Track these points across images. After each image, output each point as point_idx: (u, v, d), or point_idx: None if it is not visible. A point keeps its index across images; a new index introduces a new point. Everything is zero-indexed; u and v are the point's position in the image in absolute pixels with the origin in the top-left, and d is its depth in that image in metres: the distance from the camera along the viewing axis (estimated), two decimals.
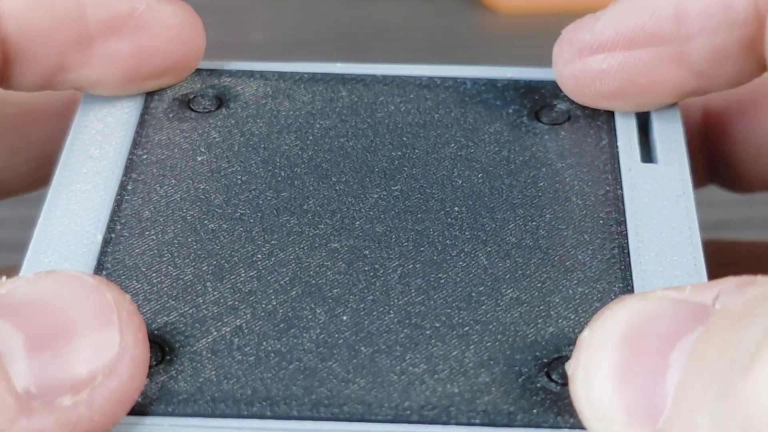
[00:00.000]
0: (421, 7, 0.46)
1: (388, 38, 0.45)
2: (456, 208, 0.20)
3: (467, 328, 0.18)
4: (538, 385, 0.17)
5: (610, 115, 0.22)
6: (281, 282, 0.19)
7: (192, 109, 0.22)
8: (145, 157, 0.21)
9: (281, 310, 0.19)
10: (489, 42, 0.44)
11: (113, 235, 0.20)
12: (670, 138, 0.22)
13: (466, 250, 0.20)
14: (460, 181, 0.21)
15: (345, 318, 0.18)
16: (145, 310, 0.18)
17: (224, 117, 0.22)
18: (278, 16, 0.46)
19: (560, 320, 0.18)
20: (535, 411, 0.17)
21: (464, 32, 0.45)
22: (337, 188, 0.21)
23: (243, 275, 0.19)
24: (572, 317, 0.18)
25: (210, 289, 0.19)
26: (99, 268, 0.19)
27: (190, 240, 0.20)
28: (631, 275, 0.19)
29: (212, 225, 0.20)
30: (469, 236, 0.20)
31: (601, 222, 0.20)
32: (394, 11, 0.46)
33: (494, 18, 0.45)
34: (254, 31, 0.45)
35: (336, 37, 0.45)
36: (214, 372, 0.18)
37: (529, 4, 0.46)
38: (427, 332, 0.18)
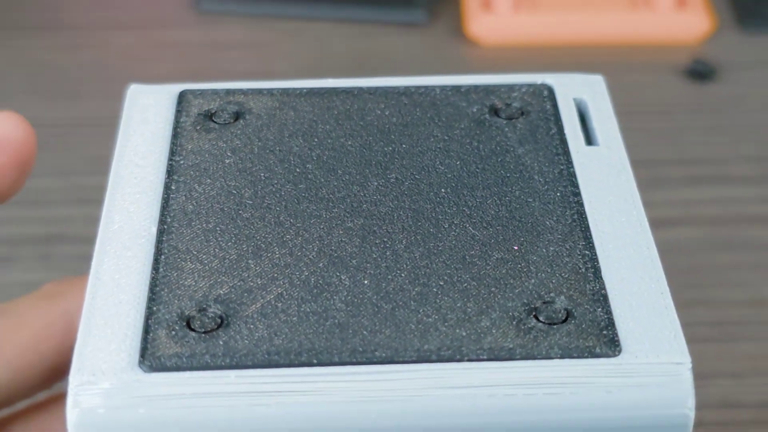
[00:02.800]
0: (416, 41, 0.47)
1: (388, 67, 0.45)
2: (442, 190, 0.20)
3: (466, 284, 0.18)
4: (529, 325, 0.18)
5: (555, 108, 0.22)
6: (309, 256, 0.19)
7: (214, 122, 0.22)
8: (182, 162, 0.21)
9: (312, 279, 0.19)
10: (472, 70, 0.42)
11: (165, 227, 0.20)
12: (606, 125, 0.22)
13: (455, 222, 0.20)
14: (442, 168, 0.21)
15: (366, 282, 0.19)
16: (201, 285, 0.18)
17: (242, 127, 0.22)
18: (297, 48, 0.47)
19: (539, 273, 0.19)
20: (529, 346, 0.17)
21: (452, 62, 0.46)
22: (344, 179, 0.21)
23: (277, 252, 0.19)
24: (548, 270, 0.19)
25: (252, 266, 0.19)
26: (158, 254, 0.19)
27: (229, 227, 0.20)
28: (590, 235, 0.19)
29: (245, 214, 0.20)
30: (456, 211, 0.20)
31: (560, 194, 0.20)
32: (393, 44, 0.47)
33: (477, 50, 0.47)
34: (278, 62, 0.46)
35: (344, 65, 0.46)
36: (265, 331, 0.18)
37: (505, 40, 0.47)
38: (434, 289, 0.18)
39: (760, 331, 0.35)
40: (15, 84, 0.46)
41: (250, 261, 0.19)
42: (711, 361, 0.34)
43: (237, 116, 0.22)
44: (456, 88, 0.23)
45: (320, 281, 0.19)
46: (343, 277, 0.19)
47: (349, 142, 0.22)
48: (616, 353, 0.17)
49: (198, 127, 0.22)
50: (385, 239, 0.19)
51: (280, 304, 0.18)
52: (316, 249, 0.19)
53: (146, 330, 0.18)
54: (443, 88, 0.23)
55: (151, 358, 0.17)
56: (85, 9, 0.49)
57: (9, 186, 0.24)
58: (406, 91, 0.23)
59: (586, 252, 0.19)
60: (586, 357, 0.17)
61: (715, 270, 0.37)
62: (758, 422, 0.32)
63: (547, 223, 0.20)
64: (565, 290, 0.18)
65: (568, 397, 0.17)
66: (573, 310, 0.18)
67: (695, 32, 0.47)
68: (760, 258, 0.37)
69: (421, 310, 0.18)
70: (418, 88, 0.23)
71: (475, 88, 0.23)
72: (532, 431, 0.17)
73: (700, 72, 0.45)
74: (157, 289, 0.19)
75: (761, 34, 0.47)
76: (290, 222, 0.20)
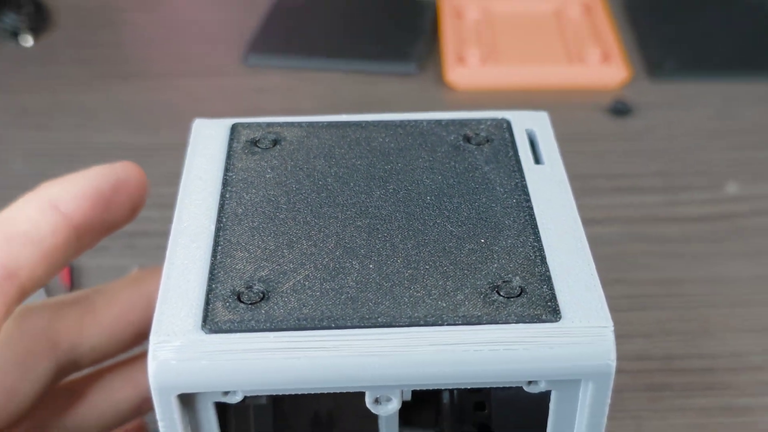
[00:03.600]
0: (408, 87, 0.47)
1: (387, 106, 0.44)
2: (427, 197, 0.20)
3: (445, 268, 0.18)
4: (492, 299, 0.18)
5: (512, 137, 0.22)
6: (329, 247, 0.19)
7: (258, 147, 0.22)
8: (233, 177, 0.21)
9: (331, 264, 0.18)
10: (450, 108, 0.41)
11: (221, 225, 0.20)
12: (549, 150, 0.22)
13: (437, 222, 0.20)
14: (428, 181, 0.21)
15: (371, 266, 0.18)
16: (248, 269, 0.18)
17: (279, 151, 0.22)
18: (318, 92, 0.47)
19: (500, 260, 0.19)
20: (492, 314, 0.17)
21: (435, 102, 0.46)
22: (354, 189, 0.21)
23: (305, 244, 0.19)
24: (507, 258, 0.19)
25: (286, 254, 0.19)
26: (215, 246, 0.19)
27: (268, 225, 0.20)
28: (538, 231, 0.19)
29: (281, 215, 0.20)
30: (437, 214, 0.20)
31: (515, 201, 0.20)
32: (392, 89, 0.47)
33: (454, 94, 0.46)
34: (304, 102, 0.46)
35: (354, 105, 0.45)
36: (296, 303, 0.18)
37: (475, 86, 0.47)
38: (421, 272, 0.18)
39: (665, 302, 0.35)
40: (112, 118, 0.45)
41: (284, 250, 0.19)
42: (628, 325, 0.33)
43: (275, 143, 0.22)
44: (438, 122, 0.23)
45: (337, 266, 0.18)
46: (354, 263, 0.19)
47: (358, 162, 0.21)
48: (557, 319, 0.17)
49: (246, 151, 0.22)
50: (385, 234, 0.19)
51: (307, 283, 0.18)
52: (333, 241, 0.19)
53: (207, 302, 0.18)
54: (429, 121, 0.23)
55: (210, 323, 0.17)
56: (161, 62, 0.50)
57: (123, 218, 0.24)
58: (401, 124, 0.23)
59: (535, 244, 0.19)
60: (535, 322, 0.17)
61: (631, 257, 0.37)
62: (662, 370, 0.32)
63: (506, 222, 0.20)
64: (519, 272, 0.18)
65: (521, 352, 0.17)
66: (525, 288, 0.18)
67: (616, 80, 0.47)
68: (664, 248, 0.37)
69: (412, 287, 0.18)
70: (410, 121, 0.23)
71: (453, 122, 0.23)
72: (494, 377, 0.17)
73: (619, 110, 0.45)
74: (215, 271, 0.18)
75: (664, 82, 0.47)
76: (314, 221, 0.20)
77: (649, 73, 0.47)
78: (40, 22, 0.51)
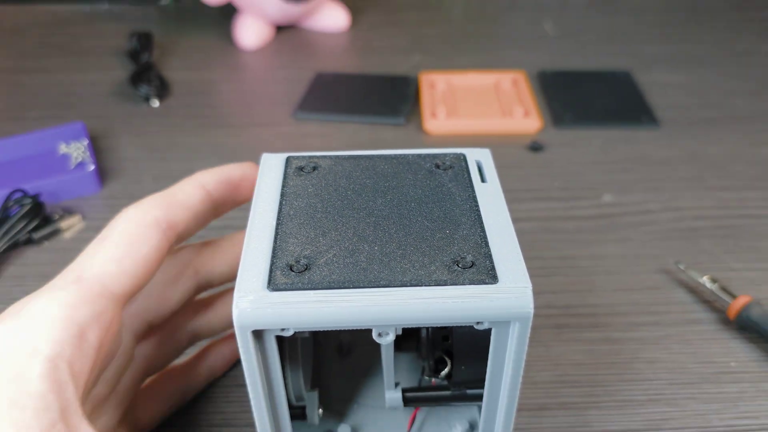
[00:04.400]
0: (398, 133, 0.46)
1: (384, 145, 0.44)
2: (412, 204, 0.20)
3: (423, 249, 0.18)
4: (454, 269, 0.17)
5: (467, 164, 0.22)
6: (349, 236, 0.19)
7: (303, 171, 0.21)
8: (287, 190, 0.21)
9: (350, 247, 0.18)
10: (427, 146, 0.43)
11: (279, 222, 0.19)
12: (490, 173, 0.21)
13: (419, 220, 0.19)
14: (412, 193, 0.20)
15: (376, 248, 0.18)
16: (296, 250, 0.18)
17: (317, 174, 0.21)
18: (342, 136, 0.46)
19: (459, 244, 0.18)
20: (454, 279, 0.17)
21: (416, 143, 0.45)
22: (365, 198, 0.20)
23: (333, 234, 0.19)
24: (463, 243, 0.18)
25: (321, 241, 0.19)
26: (276, 235, 0.19)
27: (310, 222, 0.19)
28: (483, 226, 0.19)
29: (318, 215, 0.19)
30: (418, 214, 0.19)
31: (469, 206, 0.20)
32: (387, 134, 0.46)
33: (429, 137, 0.46)
34: (333, 142, 0.46)
35: (364, 143, 0.45)
36: (327, 272, 0.17)
37: (443, 132, 0.46)
38: (408, 252, 0.18)
39: (565, 271, 0.35)
40: (208, 153, 0.45)
41: (320, 238, 0.19)
42: (541, 286, 0.34)
43: (314, 168, 0.22)
44: (418, 155, 0.22)
45: (354, 248, 0.18)
46: (365, 246, 0.18)
47: (368, 181, 0.21)
48: (496, 282, 0.17)
49: (295, 174, 0.22)
50: (384, 228, 0.19)
51: (335, 259, 0.18)
52: (352, 232, 0.19)
53: (270, 271, 0.18)
54: (412, 155, 0.22)
55: (272, 284, 0.17)
56: (240, 116, 0.49)
57: (246, 198, 0.24)
58: (395, 156, 0.22)
59: (481, 234, 0.19)
60: (481, 284, 0.17)
61: (543, 242, 0.37)
62: (563, 315, 0.32)
63: (462, 220, 0.19)
64: (471, 252, 0.18)
65: (472, 303, 0.17)
66: (475, 262, 0.18)
67: (533, 128, 0.47)
68: (564, 236, 0.37)
69: (402, 262, 0.18)
70: (400, 155, 0.22)
71: (428, 155, 0.22)
72: (455, 319, 0.17)
73: (535, 147, 0.45)
74: (275, 252, 0.18)
75: (564, 129, 0.47)
76: (340, 220, 0.19)
77: (554, 123, 0.48)
78: (163, 91, 0.51)
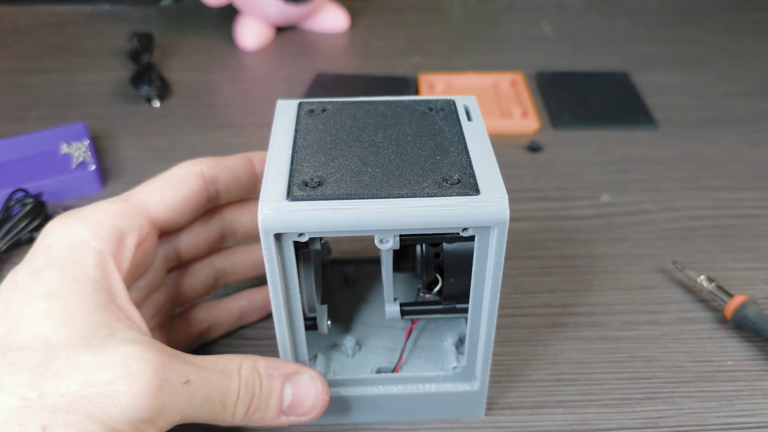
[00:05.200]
0: None
1: None
2: (408, 138, 0.22)
3: (418, 171, 0.20)
4: (444, 185, 0.20)
5: (455, 107, 0.24)
6: (354, 160, 0.21)
7: (313, 113, 0.24)
8: (300, 128, 0.23)
9: (356, 169, 0.20)
10: None
11: (294, 151, 0.21)
12: (476, 114, 0.23)
13: (413, 149, 0.21)
14: (407, 129, 0.22)
15: (377, 170, 0.20)
16: (310, 171, 0.20)
17: (326, 115, 0.23)
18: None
19: (448, 167, 0.20)
20: (444, 192, 0.19)
21: None
22: (368, 133, 0.22)
23: (342, 160, 0.21)
24: (451, 165, 0.20)
25: (330, 164, 0.21)
26: (292, 161, 0.21)
27: (320, 151, 0.21)
28: (468, 152, 0.21)
29: (327, 146, 0.21)
30: (413, 145, 0.21)
31: (457, 138, 0.22)
32: None
33: None
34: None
35: None
36: (337, 187, 0.20)
37: None
38: (405, 173, 0.20)
39: (563, 270, 0.35)
40: (209, 153, 0.45)
41: (330, 162, 0.21)
42: (538, 285, 0.33)
43: (323, 111, 0.24)
44: (414, 100, 0.24)
45: (359, 170, 0.20)
46: (368, 169, 0.20)
47: (370, 120, 0.23)
48: (478, 194, 0.20)
49: (306, 114, 0.24)
50: (385, 155, 0.21)
51: (342, 178, 0.20)
52: (357, 159, 0.21)
53: (288, 186, 0.20)
54: (409, 100, 0.24)
55: (291, 196, 0.20)
56: (240, 117, 0.49)
57: (251, 188, 0.27)
58: (394, 102, 0.24)
59: (467, 158, 0.21)
60: (466, 195, 0.19)
61: (542, 242, 0.37)
62: (561, 314, 0.32)
63: (451, 149, 0.21)
64: (458, 172, 0.20)
65: (459, 210, 0.19)
66: (461, 179, 0.20)
67: (531, 129, 0.47)
68: (562, 236, 0.37)
69: (400, 180, 0.20)
70: (398, 100, 0.24)
71: (422, 100, 0.24)
72: (444, 225, 0.19)
73: (533, 148, 0.45)
74: (293, 172, 0.20)
75: (562, 130, 0.47)
76: (347, 148, 0.21)
77: (552, 124, 0.48)
78: (164, 91, 0.51)
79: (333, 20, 0.61)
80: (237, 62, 0.56)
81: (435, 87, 0.51)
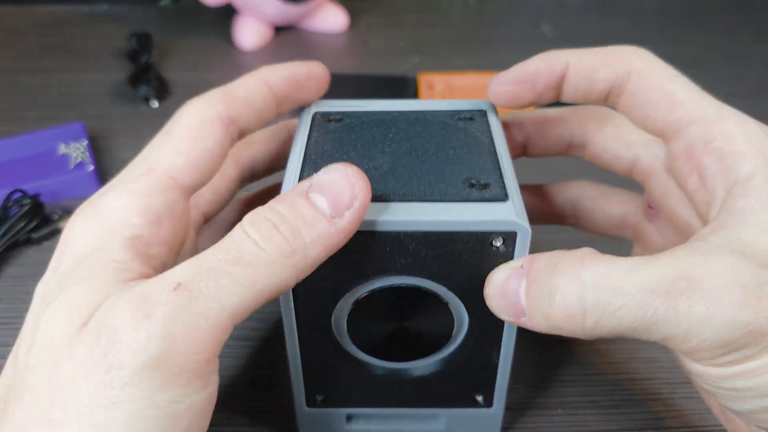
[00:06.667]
0: None
1: None
2: (431, 147, 0.22)
3: (442, 174, 0.20)
4: (467, 189, 0.20)
5: (485, 115, 0.24)
6: (379, 163, 0.21)
7: (329, 120, 0.23)
8: (315, 135, 0.23)
9: (382, 168, 0.21)
10: None
11: (305, 159, 0.21)
12: (496, 126, 0.24)
13: (441, 155, 0.21)
14: (434, 139, 0.22)
15: (402, 171, 0.20)
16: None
17: (343, 124, 0.23)
18: None
19: (477, 169, 0.21)
20: (471, 197, 0.19)
21: None
22: (392, 140, 0.22)
23: (366, 163, 0.21)
24: (480, 168, 0.21)
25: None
26: (303, 165, 0.21)
27: (346, 158, 0.21)
28: (498, 157, 0.21)
29: (352, 153, 0.21)
30: (437, 153, 0.21)
31: (487, 143, 0.22)
32: None
33: None
34: None
35: None
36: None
37: None
38: (430, 176, 0.20)
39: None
40: None
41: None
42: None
43: (340, 119, 0.23)
44: (439, 111, 0.24)
45: (385, 169, 0.21)
46: (395, 174, 0.20)
47: (393, 129, 0.23)
48: (506, 200, 0.19)
49: (321, 122, 0.23)
50: (411, 162, 0.21)
51: (368, 173, 0.20)
52: (381, 161, 0.21)
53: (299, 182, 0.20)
54: (434, 109, 0.24)
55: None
56: None
57: (311, 97, 0.24)
58: (419, 113, 0.24)
59: (497, 163, 0.21)
60: (495, 201, 0.19)
61: (542, 243, 0.36)
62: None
63: (483, 152, 0.22)
64: (486, 176, 0.20)
65: (485, 215, 0.19)
66: (489, 184, 0.20)
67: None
68: (563, 236, 0.37)
69: (426, 183, 0.20)
70: (423, 111, 0.24)
71: (451, 111, 0.24)
72: (469, 225, 0.19)
73: None
74: (302, 172, 0.21)
75: None
76: (370, 152, 0.21)
77: None
78: (162, 91, 0.51)
79: (332, 20, 0.61)
80: (236, 62, 0.56)
81: (435, 87, 0.51)
